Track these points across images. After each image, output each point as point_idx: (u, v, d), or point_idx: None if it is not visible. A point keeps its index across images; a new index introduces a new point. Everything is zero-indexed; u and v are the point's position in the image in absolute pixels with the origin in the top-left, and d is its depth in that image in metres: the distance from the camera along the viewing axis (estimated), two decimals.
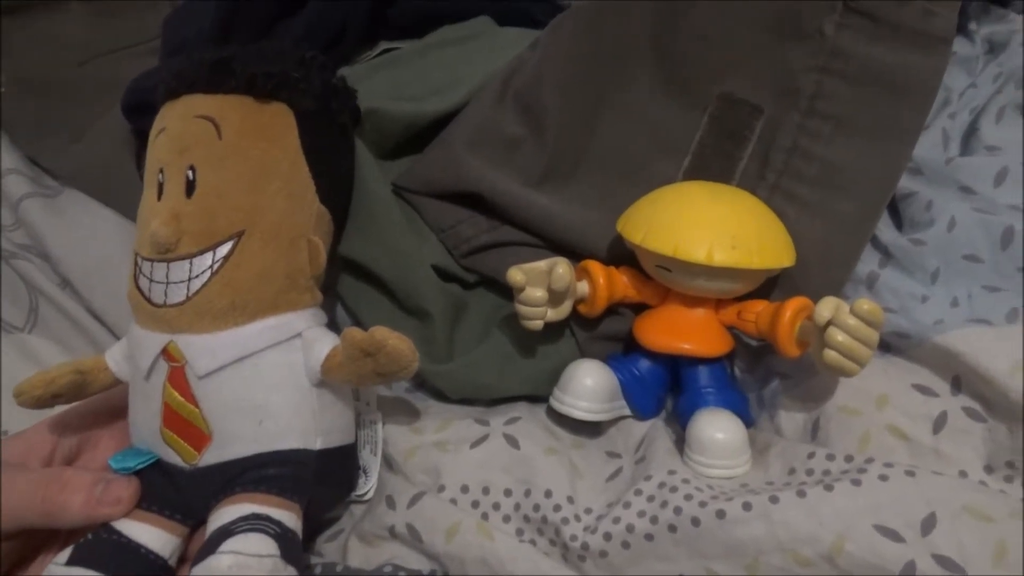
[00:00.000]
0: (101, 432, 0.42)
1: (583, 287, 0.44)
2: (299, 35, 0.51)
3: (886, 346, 0.42)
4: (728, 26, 0.46)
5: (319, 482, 0.39)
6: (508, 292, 0.44)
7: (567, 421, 0.44)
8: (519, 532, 0.41)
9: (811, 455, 0.39)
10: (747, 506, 0.37)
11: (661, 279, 0.43)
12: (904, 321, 0.42)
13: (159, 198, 0.39)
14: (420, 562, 0.40)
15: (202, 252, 0.38)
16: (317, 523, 0.43)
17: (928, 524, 0.35)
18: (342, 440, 0.41)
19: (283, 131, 0.40)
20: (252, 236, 0.38)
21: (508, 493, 0.41)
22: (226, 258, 0.38)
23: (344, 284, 0.49)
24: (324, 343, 0.39)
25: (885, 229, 0.46)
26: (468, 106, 0.49)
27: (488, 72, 0.49)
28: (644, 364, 0.45)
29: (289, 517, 0.37)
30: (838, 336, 0.37)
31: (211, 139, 0.39)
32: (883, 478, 0.36)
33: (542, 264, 0.42)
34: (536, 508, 0.40)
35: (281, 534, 0.35)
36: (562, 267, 0.42)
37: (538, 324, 0.43)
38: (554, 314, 0.44)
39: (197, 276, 0.38)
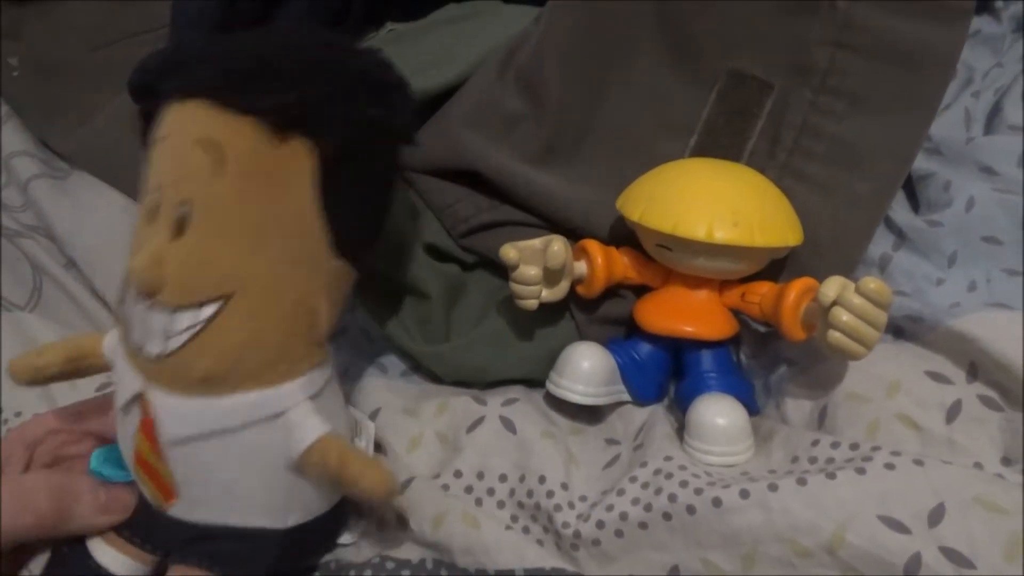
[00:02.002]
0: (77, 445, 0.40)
1: (581, 267, 0.43)
2: (301, 14, 0.51)
3: (899, 331, 0.41)
4: (739, 0, 0.44)
5: (287, 556, 0.36)
6: (507, 274, 0.43)
7: (565, 406, 0.43)
8: (513, 519, 0.39)
9: (815, 443, 0.37)
10: (744, 494, 0.35)
11: (662, 259, 0.42)
12: (918, 304, 0.40)
13: (151, 220, 0.34)
14: (410, 550, 0.39)
15: (183, 308, 0.33)
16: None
17: (936, 515, 0.33)
18: (320, 509, 0.37)
19: (297, 176, 0.33)
20: (241, 301, 0.33)
21: (503, 478, 0.40)
22: (208, 321, 0.33)
23: None
24: (306, 432, 0.34)
25: (900, 211, 0.44)
26: (468, 82, 0.48)
27: (487, 48, 0.48)
28: (644, 348, 0.43)
29: None
30: (843, 316, 0.35)
31: (212, 174, 0.32)
32: (889, 467, 0.34)
33: (537, 242, 0.41)
34: (530, 494, 0.39)
35: None
36: (557, 244, 0.40)
37: (532, 304, 0.42)
38: (550, 294, 0.42)
39: (176, 335, 0.33)
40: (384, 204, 0.38)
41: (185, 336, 0.33)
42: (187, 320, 0.33)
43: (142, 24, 0.67)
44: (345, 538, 0.40)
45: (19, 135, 0.61)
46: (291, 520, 0.35)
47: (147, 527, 0.36)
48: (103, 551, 0.36)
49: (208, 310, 0.33)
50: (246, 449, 0.34)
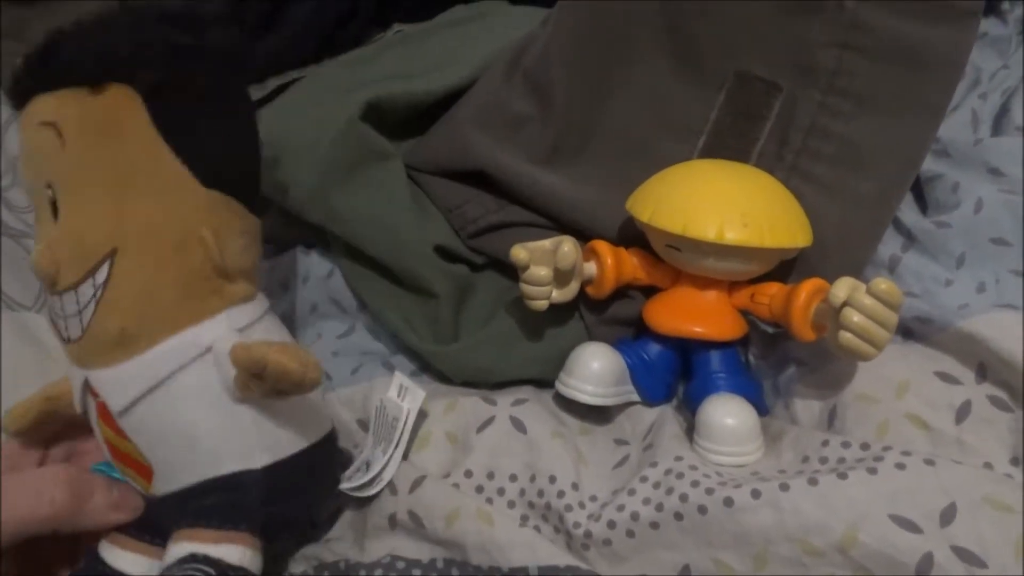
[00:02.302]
0: (88, 444, 0.41)
1: (590, 268, 0.43)
2: (308, 15, 0.51)
3: (908, 332, 0.41)
4: (743, 0, 0.44)
5: (274, 499, 0.36)
6: (516, 275, 0.43)
7: (574, 406, 0.43)
8: (524, 518, 0.39)
9: (825, 443, 0.37)
10: (756, 494, 0.35)
11: (671, 260, 0.42)
12: (927, 305, 0.40)
13: (39, 217, 0.36)
14: (421, 549, 0.39)
15: (82, 280, 0.34)
16: (313, 521, 0.41)
17: (947, 515, 0.33)
18: (298, 445, 0.37)
19: (128, 120, 0.34)
20: (126, 253, 0.34)
21: (514, 478, 0.40)
22: (105, 283, 0.34)
23: (344, 264, 0.48)
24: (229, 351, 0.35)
25: (908, 212, 0.44)
26: (476, 84, 0.48)
27: (493, 50, 0.48)
28: (654, 348, 0.43)
29: (233, 551, 0.34)
30: (854, 317, 0.35)
31: (57, 149, 0.34)
32: (900, 467, 0.34)
33: (547, 243, 0.41)
34: (540, 494, 0.39)
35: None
36: (568, 245, 0.40)
37: (542, 304, 0.42)
38: (559, 295, 0.42)
39: (85, 307, 0.34)
40: (234, 128, 0.38)
41: (91, 306, 0.34)
42: (89, 290, 0.34)
43: None
44: (357, 478, 0.39)
45: None
46: (263, 459, 0.36)
47: (150, 521, 0.37)
48: (116, 555, 0.37)
49: (101, 274, 0.34)
50: (188, 393, 0.35)
